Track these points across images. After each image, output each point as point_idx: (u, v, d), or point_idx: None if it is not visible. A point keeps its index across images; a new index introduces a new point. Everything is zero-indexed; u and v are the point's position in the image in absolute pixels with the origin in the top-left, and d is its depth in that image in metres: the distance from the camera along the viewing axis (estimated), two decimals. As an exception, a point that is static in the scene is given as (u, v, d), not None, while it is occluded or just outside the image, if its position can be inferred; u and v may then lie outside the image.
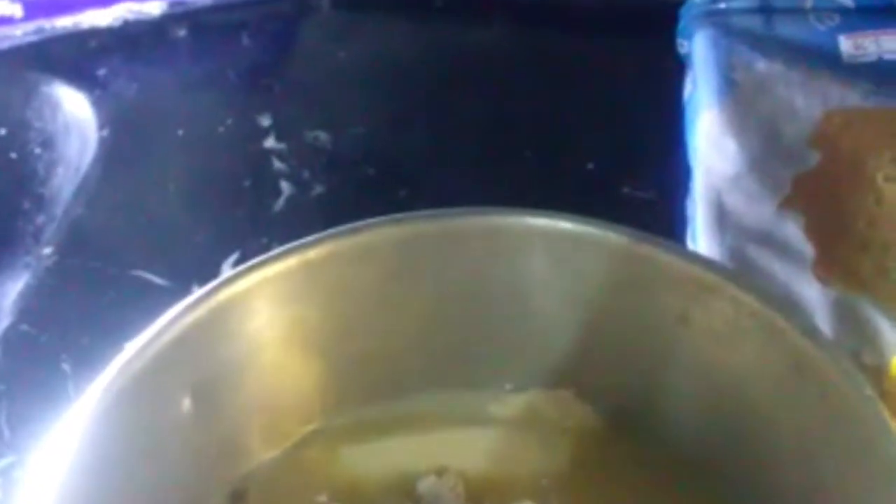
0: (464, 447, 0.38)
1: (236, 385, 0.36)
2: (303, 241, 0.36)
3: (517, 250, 0.38)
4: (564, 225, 0.37)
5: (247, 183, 0.53)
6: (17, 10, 0.57)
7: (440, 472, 0.38)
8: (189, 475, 0.36)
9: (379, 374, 0.38)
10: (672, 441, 0.38)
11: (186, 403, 0.35)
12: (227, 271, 0.49)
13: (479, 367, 0.39)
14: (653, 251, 0.37)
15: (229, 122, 0.56)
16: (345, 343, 0.38)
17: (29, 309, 0.48)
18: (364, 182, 0.54)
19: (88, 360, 0.46)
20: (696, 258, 0.39)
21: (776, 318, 0.35)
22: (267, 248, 0.50)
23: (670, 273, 0.37)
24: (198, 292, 0.35)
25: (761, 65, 0.52)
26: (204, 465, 0.36)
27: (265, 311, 0.36)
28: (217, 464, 0.37)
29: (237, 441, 0.37)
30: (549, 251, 0.38)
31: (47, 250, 0.50)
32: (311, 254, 0.36)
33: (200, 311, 0.35)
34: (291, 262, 0.36)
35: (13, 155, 0.59)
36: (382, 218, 0.37)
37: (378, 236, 0.37)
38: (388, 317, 0.38)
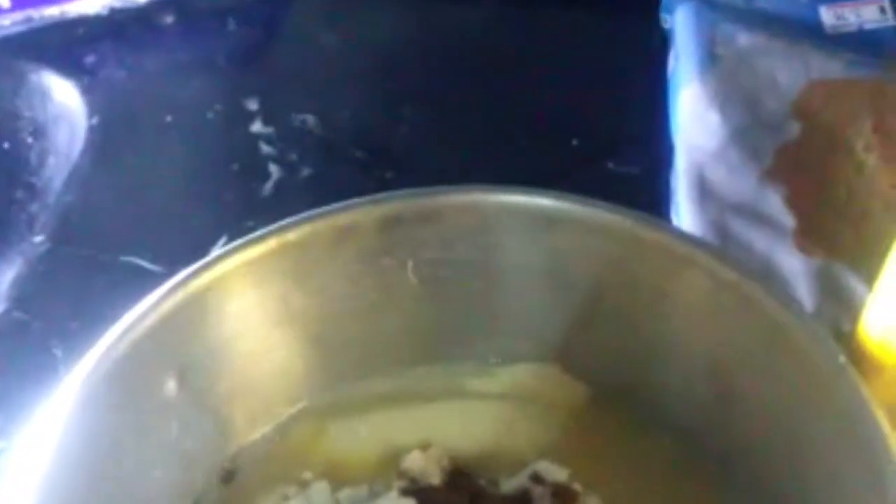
0: (450, 422, 0.39)
1: (222, 366, 0.37)
2: (282, 223, 0.37)
3: (494, 227, 0.38)
4: (541, 201, 0.38)
5: (235, 167, 0.54)
6: (4, 1, 0.57)
7: (425, 447, 0.38)
8: (179, 457, 0.36)
9: (363, 352, 0.39)
10: (659, 411, 0.38)
11: (171, 385, 0.35)
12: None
13: (462, 343, 0.40)
14: (630, 226, 0.38)
15: (218, 107, 0.56)
16: (328, 322, 0.38)
17: (21, 296, 0.48)
18: (352, 164, 0.54)
19: (79, 346, 0.46)
20: (673, 232, 0.40)
21: (753, 290, 0.36)
22: (254, 231, 0.51)
23: (648, 248, 0.38)
24: (177, 276, 0.36)
25: (743, 38, 0.53)
26: (193, 447, 0.37)
27: (247, 292, 0.37)
28: (206, 445, 0.37)
29: (225, 422, 0.38)
30: (526, 228, 0.38)
31: (39, 238, 0.50)
32: (291, 235, 0.37)
33: (180, 295, 0.35)
34: (271, 243, 0.37)
35: (5, 145, 0.59)
36: (359, 199, 0.38)
37: (356, 216, 0.37)
38: (369, 295, 0.38)
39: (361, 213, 0.37)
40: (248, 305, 0.37)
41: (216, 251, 0.36)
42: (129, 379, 0.34)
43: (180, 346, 0.35)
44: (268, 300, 0.37)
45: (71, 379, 0.33)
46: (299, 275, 0.37)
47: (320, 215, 0.37)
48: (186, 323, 0.35)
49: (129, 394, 0.34)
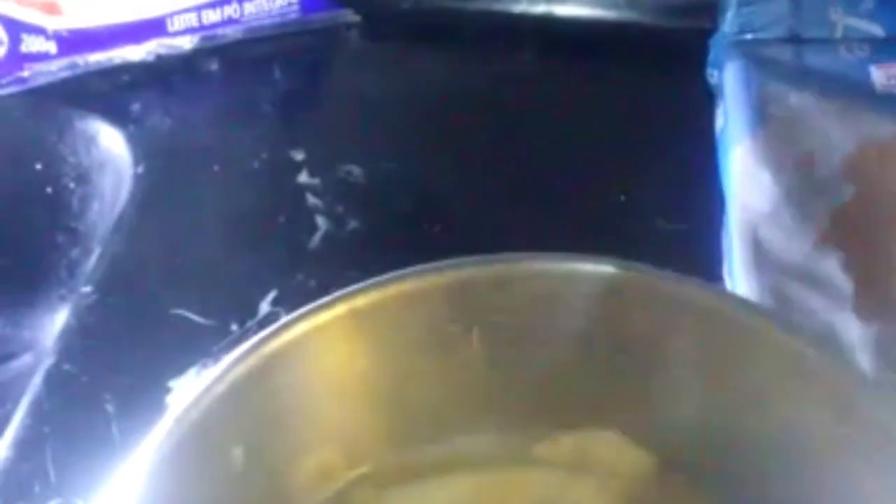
0: (511, 491, 0.39)
1: (286, 432, 0.37)
2: (349, 289, 0.37)
3: (560, 295, 0.38)
4: (608, 270, 0.38)
5: (282, 219, 0.54)
6: (51, 47, 0.57)
7: (487, 516, 0.38)
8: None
9: (426, 418, 0.39)
10: (726, 480, 0.38)
11: (238, 453, 0.35)
12: (265, 309, 0.50)
13: (526, 410, 0.39)
14: (701, 297, 0.38)
15: (264, 156, 0.56)
16: (392, 388, 0.38)
17: (70, 349, 0.48)
18: (399, 217, 0.54)
19: (131, 401, 0.46)
20: (740, 303, 0.40)
21: (823, 362, 0.36)
22: (304, 286, 0.51)
23: (717, 319, 0.37)
24: (246, 344, 0.35)
25: (793, 97, 0.52)
26: (254, 512, 0.36)
27: (313, 358, 0.36)
28: (267, 509, 0.37)
29: (287, 487, 0.37)
30: (592, 296, 0.38)
31: (87, 289, 0.50)
32: (359, 301, 0.36)
33: (249, 363, 0.35)
34: (339, 310, 0.36)
35: (48, 189, 0.59)
36: (427, 265, 0.38)
37: (423, 283, 0.37)
38: (434, 361, 0.38)
39: (428, 281, 0.37)
40: (315, 371, 0.37)
41: (285, 319, 0.36)
42: (198, 449, 0.34)
43: (247, 414, 0.35)
44: (334, 365, 0.37)
45: (141, 450, 0.33)
46: (366, 340, 0.37)
47: (388, 281, 0.37)
48: (254, 391, 0.35)
49: (199, 464, 0.34)
